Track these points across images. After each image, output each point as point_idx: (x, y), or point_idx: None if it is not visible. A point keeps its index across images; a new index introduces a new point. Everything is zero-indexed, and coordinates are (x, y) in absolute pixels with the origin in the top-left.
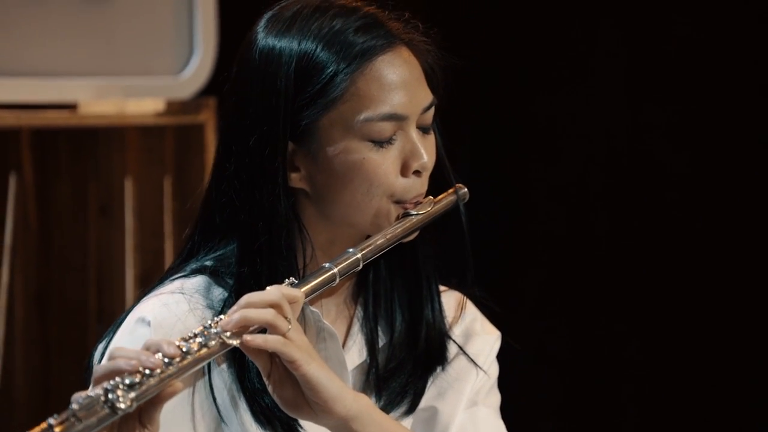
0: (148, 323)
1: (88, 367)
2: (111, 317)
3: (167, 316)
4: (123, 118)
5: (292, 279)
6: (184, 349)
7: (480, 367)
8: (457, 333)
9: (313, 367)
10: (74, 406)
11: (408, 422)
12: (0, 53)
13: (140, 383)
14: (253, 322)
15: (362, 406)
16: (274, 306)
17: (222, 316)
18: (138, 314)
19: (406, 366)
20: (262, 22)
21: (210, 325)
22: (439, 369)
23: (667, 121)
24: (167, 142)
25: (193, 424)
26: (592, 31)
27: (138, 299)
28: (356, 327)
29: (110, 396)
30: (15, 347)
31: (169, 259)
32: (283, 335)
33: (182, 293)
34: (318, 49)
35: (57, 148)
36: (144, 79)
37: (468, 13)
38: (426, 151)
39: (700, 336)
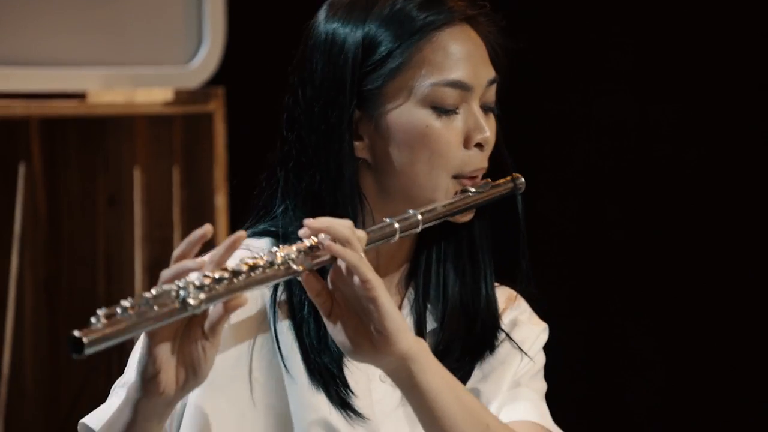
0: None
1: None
2: None
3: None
4: (132, 108)
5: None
6: (252, 265)
7: (525, 353)
8: (504, 322)
9: (382, 291)
10: (148, 294)
11: None
12: (9, 43)
13: (210, 287)
14: (336, 233)
15: (422, 348)
16: (350, 228)
17: (292, 246)
18: None
19: (454, 350)
20: (325, 6)
21: (278, 248)
22: (487, 354)
23: (675, 117)
24: (176, 132)
25: (249, 380)
26: (602, 28)
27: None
28: (406, 310)
29: (182, 293)
30: (24, 336)
31: None
32: (355, 264)
33: (248, 249)
34: (382, 26)
35: (66, 137)
36: (153, 68)
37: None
38: (487, 126)
39: (711, 330)
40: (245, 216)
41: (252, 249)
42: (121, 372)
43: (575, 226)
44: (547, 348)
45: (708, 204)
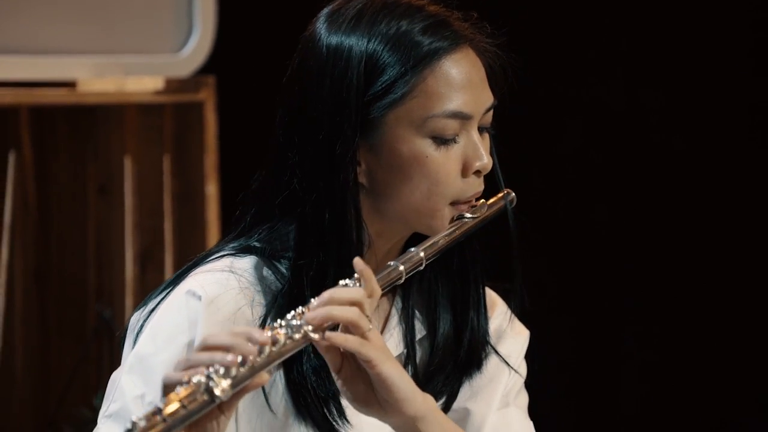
0: (199, 298)
1: (123, 336)
2: (110, 296)
3: (219, 292)
4: (122, 96)
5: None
6: (272, 339)
7: (512, 368)
8: (489, 332)
9: (387, 366)
10: (180, 393)
11: None
12: None
13: (235, 375)
14: (338, 320)
15: (430, 407)
16: (357, 304)
17: (303, 309)
18: (188, 288)
19: (446, 368)
20: (324, 17)
21: (294, 315)
22: (475, 371)
23: (663, 105)
24: (166, 120)
25: (235, 415)
26: (592, 17)
27: (181, 271)
28: (394, 320)
29: (210, 384)
30: (14, 325)
31: (168, 237)
32: (363, 334)
33: (232, 272)
34: (386, 48)
35: (56, 126)
36: (143, 57)
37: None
38: (485, 152)
39: (704, 325)
40: (236, 206)
41: (235, 271)
42: (112, 362)
43: (565, 218)
44: (536, 349)
45: (700, 196)
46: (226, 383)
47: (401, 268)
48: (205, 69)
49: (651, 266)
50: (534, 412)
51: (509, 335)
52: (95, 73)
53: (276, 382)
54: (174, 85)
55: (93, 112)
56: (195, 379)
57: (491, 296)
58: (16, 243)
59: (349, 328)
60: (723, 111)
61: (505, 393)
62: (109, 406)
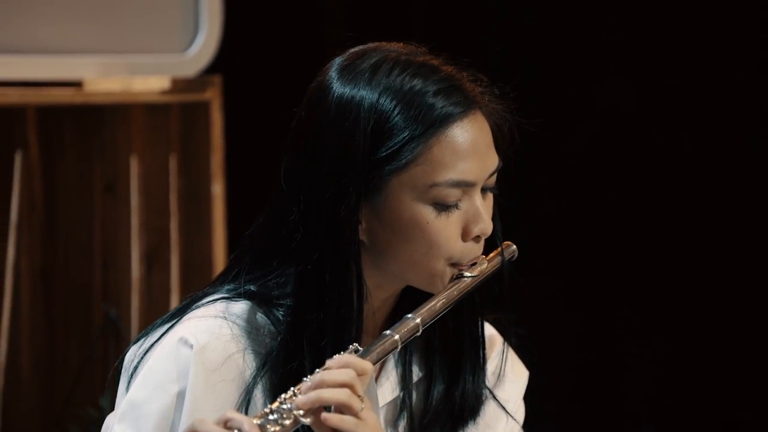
0: (191, 346)
1: (119, 370)
2: (116, 295)
3: (210, 340)
4: (128, 96)
5: (356, 346)
6: (261, 427)
7: (510, 415)
8: (487, 375)
9: None
10: None
11: None
12: (5, 31)
13: None
14: (328, 402)
15: None
16: (347, 385)
17: (294, 390)
18: (180, 335)
19: (443, 415)
20: (336, 67)
21: (285, 399)
22: (470, 421)
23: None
24: (172, 120)
25: None
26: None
27: (175, 310)
28: (390, 364)
29: None
30: (20, 325)
31: (174, 236)
32: (356, 415)
33: (225, 318)
34: (396, 110)
35: (62, 125)
36: (149, 56)
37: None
38: (486, 215)
39: (709, 325)
40: (242, 205)
41: (228, 317)
42: (118, 359)
43: (569, 215)
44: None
45: (705, 195)
46: None
47: (396, 337)
48: (212, 69)
49: (658, 267)
50: (540, 413)
51: (508, 378)
52: (101, 72)
53: None
54: (180, 85)
55: (99, 111)
56: None
57: (491, 335)
58: (23, 242)
59: (342, 409)
60: (729, 112)
61: None
62: (117, 411)
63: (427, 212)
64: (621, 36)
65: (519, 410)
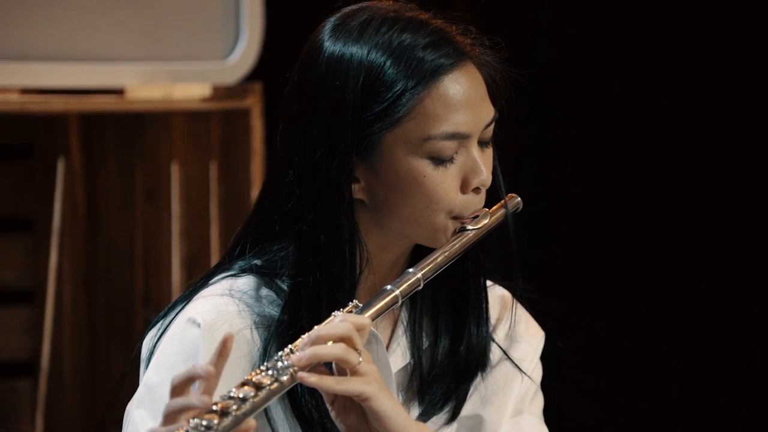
0: (199, 325)
1: (137, 354)
2: (157, 301)
3: (217, 318)
4: (169, 103)
5: (356, 302)
6: (257, 384)
7: (525, 373)
8: (500, 335)
9: (381, 399)
10: None
11: (451, 430)
12: (49, 39)
13: (217, 425)
14: (324, 359)
15: None
16: (345, 339)
17: (291, 347)
18: (188, 315)
19: (448, 372)
20: (327, 29)
21: (281, 356)
22: (480, 376)
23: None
24: (213, 127)
25: None
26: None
27: (187, 292)
28: (400, 330)
29: None
30: (63, 331)
31: (215, 243)
32: (354, 369)
33: (230, 295)
34: (387, 65)
35: (104, 133)
36: (190, 64)
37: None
38: (485, 167)
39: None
40: None
41: (233, 294)
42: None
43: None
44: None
45: (715, 196)
46: None
47: (397, 292)
48: (252, 76)
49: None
50: (555, 410)
51: (523, 338)
52: (143, 80)
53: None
54: (221, 92)
55: (141, 118)
56: None
57: (504, 297)
58: (65, 248)
59: (339, 364)
60: (729, 112)
61: (519, 399)
62: (136, 396)
63: (424, 166)
64: (626, 37)
65: (536, 369)
